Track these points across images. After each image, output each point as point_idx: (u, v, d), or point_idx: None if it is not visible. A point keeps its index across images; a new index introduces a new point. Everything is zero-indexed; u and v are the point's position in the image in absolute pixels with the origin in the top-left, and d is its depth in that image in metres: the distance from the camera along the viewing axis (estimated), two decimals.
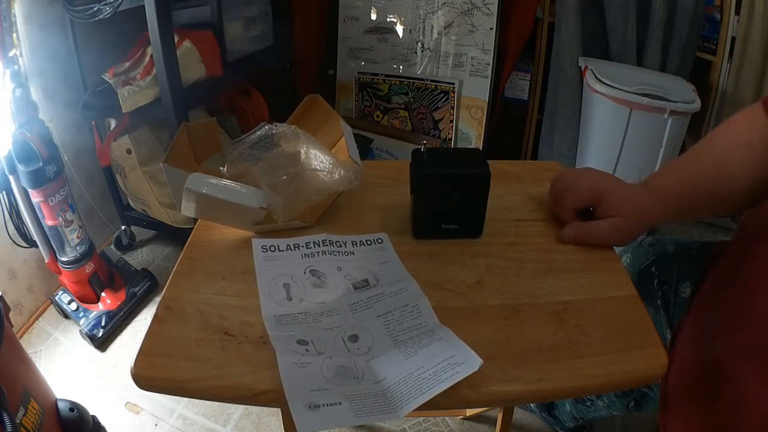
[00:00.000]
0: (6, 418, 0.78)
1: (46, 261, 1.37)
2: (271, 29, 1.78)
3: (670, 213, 0.59)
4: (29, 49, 1.36)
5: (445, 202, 0.57)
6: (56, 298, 1.44)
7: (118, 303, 1.45)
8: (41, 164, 1.19)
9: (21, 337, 1.42)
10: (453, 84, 1.82)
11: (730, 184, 0.57)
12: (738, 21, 1.55)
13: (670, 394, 0.53)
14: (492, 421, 1.21)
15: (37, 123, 1.22)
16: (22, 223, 1.31)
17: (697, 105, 1.46)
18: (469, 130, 1.86)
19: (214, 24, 1.50)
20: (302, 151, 0.59)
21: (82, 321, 1.39)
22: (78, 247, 1.36)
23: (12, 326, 1.01)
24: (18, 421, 0.84)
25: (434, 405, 0.38)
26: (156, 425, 1.21)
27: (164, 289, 0.51)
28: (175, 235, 1.66)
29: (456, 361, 0.40)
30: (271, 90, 1.85)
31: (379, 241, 0.56)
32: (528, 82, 1.87)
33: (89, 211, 1.61)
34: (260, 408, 1.23)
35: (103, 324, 1.39)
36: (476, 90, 1.80)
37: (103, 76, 1.34)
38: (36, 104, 1.23)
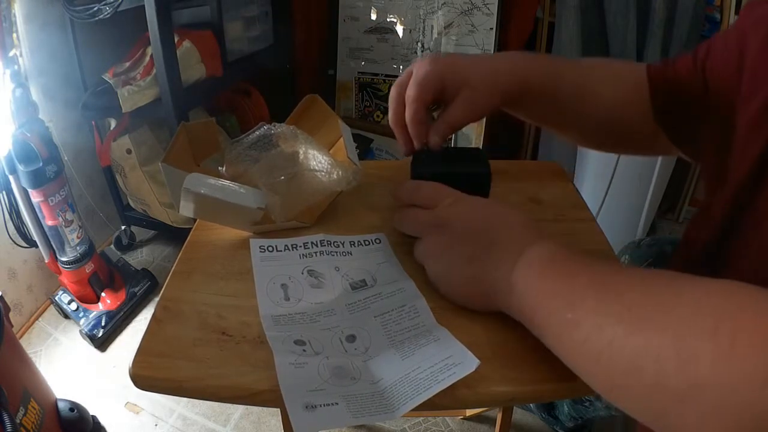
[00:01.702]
0: (6, 418, 0.78)
1: (46, 261, 1.37)
2: (271, 29, 1.79)
3: (516, 87, 0.54)
4: (29, 49, 1.36)
5: None
6: (56, 298, 1.44)
7: (118, 303, 1.45)
8: (41, 164, 1.19)
9: (21, 337, 1.42)
10: None
11: (588, 101, 0.56)
12: None
13: None
14: (492, 421, 1.21)
15: (37, 123, 1.22)
16: (22, 223, 1.32)
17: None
18: (469, 130, 1.86)
19: (214, 24, 1.50)
20: (301, 152, 0.59)
21: (82, 321, 1.39)
22: (78, 247, 1.36)
23: (12, 326, 1.01)
24: (18, 421, 0.84)
25: (432, 405, 0.38)
26: (156, 425, 1.22)
27: (162, 289, 0.51)
28: (175, 235, 1.66)
29: (453, 361, 0.40)
30: (271, 90, 1.86)
31: (378, 241, 0.56)
32: None
33: (89, 211, 1.61)
34: (260, 408, 1.23)
35: (103, 324, 1.39)
36: None
37: (103, 76, 1.35)
38: (36, 104, 1.23)
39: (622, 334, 0.31)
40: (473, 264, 0.44)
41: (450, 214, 0.47)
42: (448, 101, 0.53)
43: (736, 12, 1.54)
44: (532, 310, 0.39)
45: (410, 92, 0.52)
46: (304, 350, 0.42)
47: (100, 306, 1.44)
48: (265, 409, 1.22)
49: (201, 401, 1.23)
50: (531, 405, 1.21)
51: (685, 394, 0.27)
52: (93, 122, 1.51)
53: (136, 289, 1.50)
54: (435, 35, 1.80)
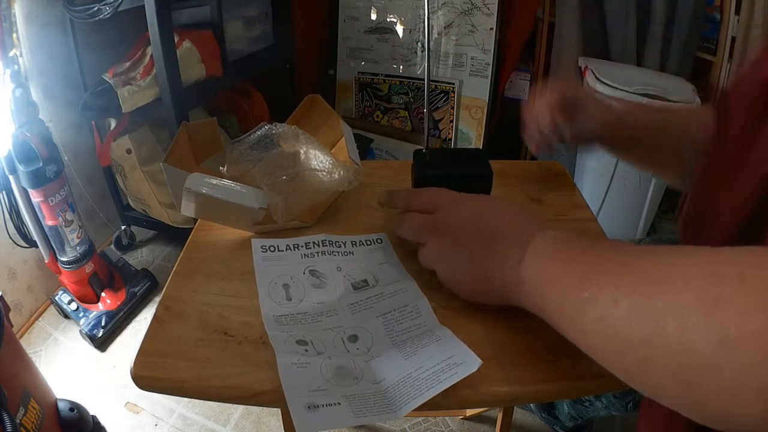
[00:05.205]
0: (6, 418, 0.78)
1: (46, 261, 1.37)
2: (271, 29, 1.78)
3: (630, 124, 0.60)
4: (29, 49, 1.36)
5: None
6: (56, 298, 1.44)
7: (118, 303, 1.45)
8: (41, 164, 1.19)
9: (21, 337, 1.42)
10: (453, 84, 1.82)
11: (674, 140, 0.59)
12: (738, 21, 1.55)
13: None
14: (492, 421, 1.21)
15: (37, 123, 1.22)
16: (22, 223, 1.32)
17: (697, 105, 1.46)
18: (469, 130, 1.86)
19: (214, 24, 1.50)
20: (302, 152, 0.59)
21: (82, 321, 1.39)
22: (78, 247, 1.36)
23: (12, 326, 1.01)
24: (18, 421, 0.84)
25: (433, 405, 0.38)
26: (156, 425, 1.21)
27: (164, 289, 0.51)
28: (175, 235, 1.66)
29: (455, 361, 0.40)
30: (271, 90, 1.86)
31: (379, 241, 0.56)
32: (528, 82, 1.87)
33: (89, 211, 1.61)
34: (260, 408, 1.23)
35: (103, 324, 1.39)
36: (476, 90, 1.80)
37: (103, 76, 1.35)
38: (36, 104, 1.23)
39: (639, 303, 0.29)
40: (476, 262, 0.44)
41: (448, 216, 0.48)
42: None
43: (737, 12, 1.54)
44: (544, 297, 0.39)
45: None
46: (306, 350, 0.42)
47: (100, 306, 1.44)
48: (265, 409, 1.22)
49: (201, 401, 1.23)
50: (531, 405, 1.21)
51: (715, 353, 0.25)
52: (93, 122, 1.51)
53: (136, 289, 1.50)
54: (435, 35, 1.80)
